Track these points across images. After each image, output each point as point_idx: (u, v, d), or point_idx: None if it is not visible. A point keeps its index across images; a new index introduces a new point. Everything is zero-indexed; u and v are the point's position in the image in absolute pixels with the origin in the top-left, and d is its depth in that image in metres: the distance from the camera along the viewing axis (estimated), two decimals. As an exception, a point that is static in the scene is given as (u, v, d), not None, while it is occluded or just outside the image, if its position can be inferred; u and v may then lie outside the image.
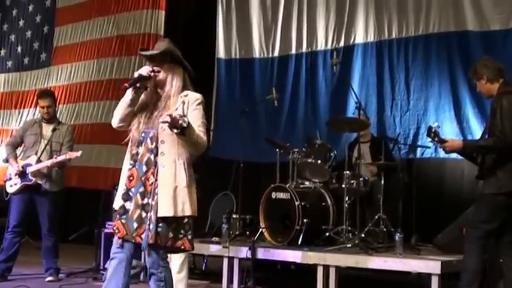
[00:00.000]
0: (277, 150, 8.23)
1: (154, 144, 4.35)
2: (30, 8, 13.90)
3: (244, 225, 8.24)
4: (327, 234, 7.45)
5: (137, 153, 4.38)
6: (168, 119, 4.06)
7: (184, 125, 4.09)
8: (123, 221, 4.31)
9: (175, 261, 6.18)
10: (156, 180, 4.28)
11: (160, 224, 4.25)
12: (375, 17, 9.01)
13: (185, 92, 4.42)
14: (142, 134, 4.38)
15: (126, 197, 4.35)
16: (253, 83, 10.11)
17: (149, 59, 4.49)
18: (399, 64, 8.85)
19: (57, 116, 8.31)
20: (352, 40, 9.23)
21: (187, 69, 4.53)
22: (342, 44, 9.30)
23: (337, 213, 7.59)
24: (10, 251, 7.56)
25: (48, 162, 7.41)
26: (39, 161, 7.48)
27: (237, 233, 8.04)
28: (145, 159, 4.35)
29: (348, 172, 7.53)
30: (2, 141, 13.40)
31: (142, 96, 4.43)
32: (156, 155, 4.34)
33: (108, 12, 12.00)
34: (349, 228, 7.33)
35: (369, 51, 9.06)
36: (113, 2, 11.92)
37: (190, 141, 4.23)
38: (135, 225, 4.26)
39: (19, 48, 13.93)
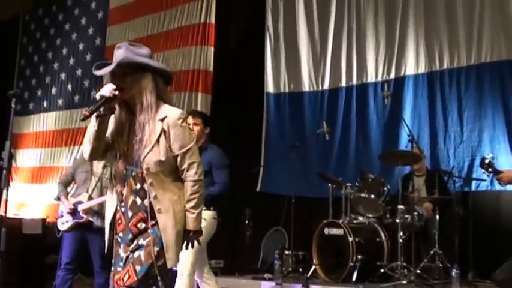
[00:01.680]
0: (330, 185, 8.17)
1: (139, 185, 3.84)
2: (80, 46, 14.08)
3: (297, 261, 8.20)
4: (382, 270, 7.36)
5: (121, 193, 3.90)
6: None
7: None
8: (118, 268, 3.91)
9: None
10: (146, 223, 3.81)
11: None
12: (426, 48, 8.86)
13: (162, 113, 3.81)
14: (124, 171, 3.88)
15: (116, 242, 3.95)
16: (303, 117, 9.99)
17: (111, 75, 3.83)
18: (451, 95, 8.66)
19: (108, 152, 8.28)
20: (402, 71, 9.08)
21: (158, 72, 3.91)
22: (392, 75, 9.15)
23: (391, 249, 7.50)
24: (63, 289, 7.57)
25: (101, 199, 7.41)
26: (90, 198, 7.48)
27: (290, 269, 7.99)
28: (129, 202, 3.87)
29: (402, 206, 7.40)
30: (53, 178, 13.54)
31: (113, 118, 3.86)
32: (143, 198, 3.83)
33: (158, 49, 12.06)
34: (404, 264, 7.23)
35: (420, 83, 8.89)
36: (162, 39, 12.00)
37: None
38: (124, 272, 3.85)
39: (69, 87, 14.08)
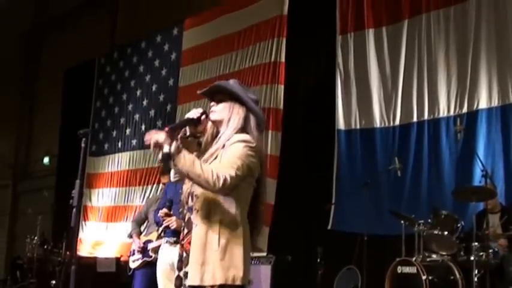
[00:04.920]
0: (402, 222, 8.02)
1: (192, 201, 3.79)
2: (154, 87, 14.35)
3: (369, 300, 8.05)
4: (457, 309, 7.12)
5: (184, 215, 3.89)
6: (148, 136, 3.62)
7: (166, 149, 3.52)
8: None
9: None
10: None
11: None
12: (498, 81, 8.65)
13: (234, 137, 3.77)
14: (187, 193, 3.84)
15: (180, 265, 3.87)
16: (374, 153, 9.86)
17: (209, 98, 3.96)
18: (526, 128, 8.45)
19: (180, 192, 8.31)
20: (475, 105, 8.86)
21: (253, 111, 3.89)
22: (465, 109, 8.93)
23: (466, 288, 7.26)
24: (135, 326, 7.61)
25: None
26: (159, 237, 7.53)
27: (363, 308, 7.85)
28: (186, 219, 3.85)
29: (476, 244, 7.19)
30: (127, 217, 13.72)
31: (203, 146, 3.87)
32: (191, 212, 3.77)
33: (229, 89, 12.18)
34: (480, 303, 6.99)
35: (494, 116, 8.65)
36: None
37: (181, 173, 3.60)
38: None
39: (143, 127, 14.34)
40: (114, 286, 10.77)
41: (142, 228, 8.13)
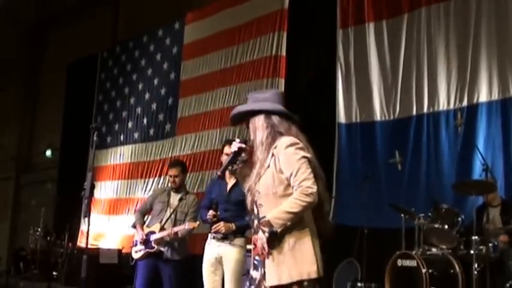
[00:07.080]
0: (402, 215, 8.03)
1: (256, 209, 4.15)
2: (155, 81, 14.38)
3: (369, 293, 8.08)
4: (456, 302, 7.14)
5: (253, 221, 4.20)
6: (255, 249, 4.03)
7: (266, 234, 3.94)
8: None
9: None
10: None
11: None
12: (499, 74, 8.63)
13: (275, 143, 4.13)
14: (251, 200, 4.20)
15: (254, 265, 4.20)
16: (374, 146, 9.85)
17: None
18: (526, 121, 8.45)
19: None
20: (475, 99, 8.84)
21: (269, 111, 4.25)
22: (465, 103, 8.92)
23: (466, 281, 7.27)
24: (136, 316, 7.65)
25: (166, 233, 7.49)
26: (162, 229, 7.58)
27: (363, 301, 7.87)
28: (255, 226, 4.15)
29: (476, 237, 7.21)
30: (129, 209, 13.78)
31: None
32: (259, 220, 4.09)
33: (230, 82, 12.23)
34: (479, 296, 7.00)
35: (494, 110, 8.62)
36: (234, 73, 12.14)
37: (292, 221, 3.95)
38: None
39: (145, 120, 14.41)
40: (116, 277, 10.84)
41: (145, 219, 8.15)
